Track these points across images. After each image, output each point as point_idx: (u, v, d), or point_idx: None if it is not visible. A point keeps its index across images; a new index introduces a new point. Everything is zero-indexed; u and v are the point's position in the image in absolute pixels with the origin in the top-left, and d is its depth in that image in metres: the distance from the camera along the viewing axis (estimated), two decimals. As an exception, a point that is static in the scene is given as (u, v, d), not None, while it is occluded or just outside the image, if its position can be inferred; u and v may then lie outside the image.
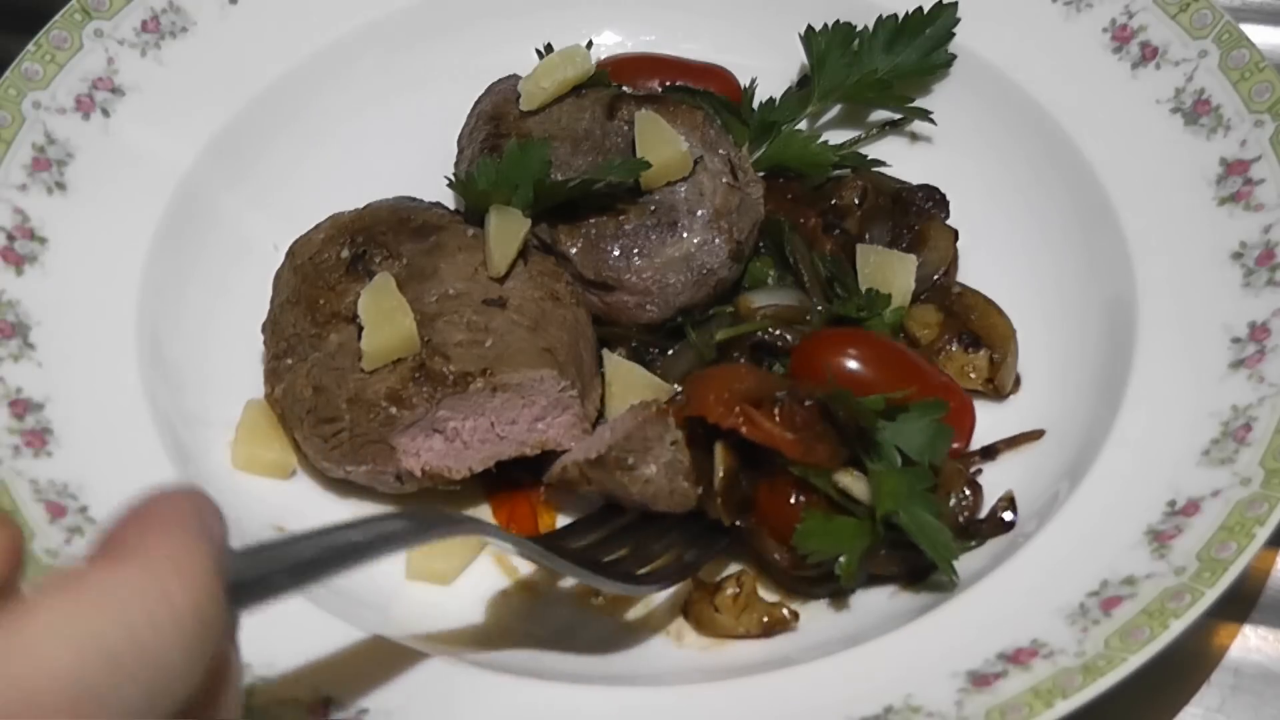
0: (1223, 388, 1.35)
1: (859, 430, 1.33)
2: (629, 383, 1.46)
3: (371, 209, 1.54)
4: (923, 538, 1.30)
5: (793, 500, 1.31)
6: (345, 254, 1.48)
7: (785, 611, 1.33)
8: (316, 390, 1.41)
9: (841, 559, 1.30)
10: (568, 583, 1.40)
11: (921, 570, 1.35)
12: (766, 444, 1.30)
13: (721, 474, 1.32)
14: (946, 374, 1.49)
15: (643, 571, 1.30)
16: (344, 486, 1.45)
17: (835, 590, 1.35)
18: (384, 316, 1.38)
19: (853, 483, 1.32)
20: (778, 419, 1.31)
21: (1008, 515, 1.38)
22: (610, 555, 1.30)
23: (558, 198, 1.49)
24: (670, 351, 1.51)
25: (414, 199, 1.56)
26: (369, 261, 1.47)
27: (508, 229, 1.45)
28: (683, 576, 1.33)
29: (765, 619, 1.33)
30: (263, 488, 1.45)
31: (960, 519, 1.38)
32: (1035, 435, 1.46)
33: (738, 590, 1.33)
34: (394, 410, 1.37)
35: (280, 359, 1.46)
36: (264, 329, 1.50)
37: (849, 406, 1.32)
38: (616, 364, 1.48)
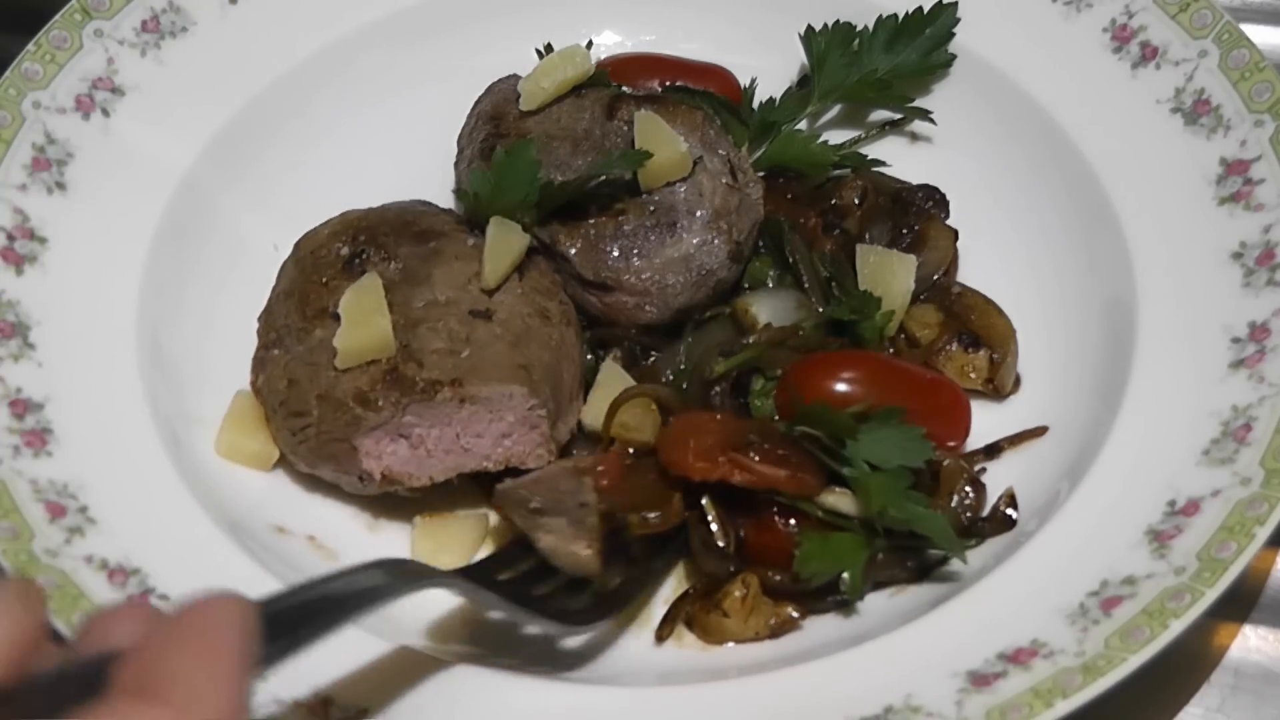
0: (1223, 388, 1.35)
1: (829, 451, 1.33)
2: (610, 391, 1.44)
3: (382, 209, 1.53)
4: (922, 526, 1.30)
5: (783, 527, 1.32)
6: (344, 251, 1.48)
7: (792, 612, 1.33)
8: (291, 383, 1.41)
9: (845, 575, 1.31)
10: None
11: (923, 570, 1.35)
12: (760, 486, 1.31)
13: (717, 526, 1.32)
14: (941, 372, 1.48)
15: (577, 608, 1.28)
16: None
17: (839, 602, 1.35)
18: (362, 316, 1.38)
19: (839, 500, 1.32)
20: (762, 460, 1.31)
21: (1010, 512, 1.38)
22: (543, 587, 1.28)
23: (560, 199, 1.48)
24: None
25: (428, 203, 1.56)
26: (365, 261, 1.46)
27: (505, 242, 1.45)
28: (615, 610, 1.32)
29: (773, 620, 1.33)
30: (258, 484, 1.46)
31: (964, 518, 1.38)
32: (1039, 432, 1.46)
33: (745, 591, 1.33)
34: (359, 411, 1.36)
35: (268, 349, 1.46)
36: (260, 318, 1.50)
37: (826, 424, 1.32)
38: (609, 370, 1.47)
